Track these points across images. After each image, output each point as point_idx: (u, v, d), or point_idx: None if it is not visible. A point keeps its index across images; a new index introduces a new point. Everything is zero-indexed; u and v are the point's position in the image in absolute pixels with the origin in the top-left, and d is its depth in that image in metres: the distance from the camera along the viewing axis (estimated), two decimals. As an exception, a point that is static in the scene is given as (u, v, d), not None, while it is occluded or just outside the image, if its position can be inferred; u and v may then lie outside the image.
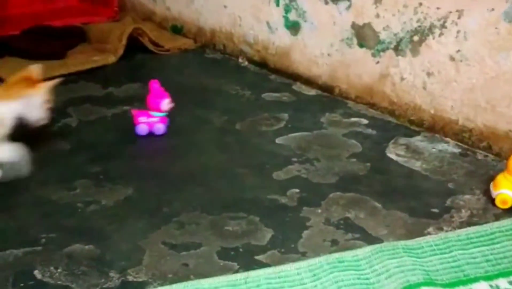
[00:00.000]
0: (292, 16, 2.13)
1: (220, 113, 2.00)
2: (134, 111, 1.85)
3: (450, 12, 1.69)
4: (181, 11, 2.64)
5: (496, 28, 1.60)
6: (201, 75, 2.34)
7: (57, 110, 2.03)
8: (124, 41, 2.44)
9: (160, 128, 1.83)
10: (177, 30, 2.67)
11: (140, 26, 2.53)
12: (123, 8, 2.90)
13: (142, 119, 1.83)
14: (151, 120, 1.83)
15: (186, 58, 2.50)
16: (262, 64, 2.32)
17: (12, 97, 1.64)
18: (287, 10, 2.15)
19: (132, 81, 2.27)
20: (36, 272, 1.28)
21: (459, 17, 1.67)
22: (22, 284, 1.25)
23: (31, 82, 1.67)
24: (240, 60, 2.40)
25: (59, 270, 1.29)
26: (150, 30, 2.56)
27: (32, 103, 1.65)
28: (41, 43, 2.49)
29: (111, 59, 2.42)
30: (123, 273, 1.27)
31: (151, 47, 2.50)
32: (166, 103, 1.81)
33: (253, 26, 2.30)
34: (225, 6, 2.40)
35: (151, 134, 1.84)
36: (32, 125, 1.67)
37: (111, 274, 1.28)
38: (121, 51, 2.44)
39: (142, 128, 1.83)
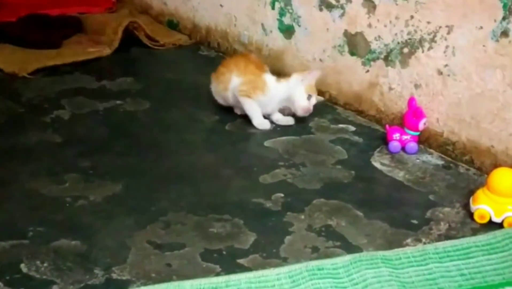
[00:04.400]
0: (287, 20, 2.16)
1: (210, 113, 2.03)
2: (388, 127, 1.81)
3: (440, 27, 1.72)
4: (177, 7, 2.66)
5: (483, 46, 1.63)
6: (194, 72, 2.36)
7: (51, 101, 2.07)
8: (119, 34, 2.45)
9: (413, 147, 1.79)
10: (173, 25, 2.69)
11: (136, 20, 2.54)
12: (120, -1, 2.92)
13: (396, 136, 1.80)
14: (404, 138, 1.79)
15: (181, 54, 2.52)
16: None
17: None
18: (281, 13, 2.17)
19: (126, 75, 2.29)
20: (22, 266, 1.31)
21: (448, 33, 1.70)
22: (8, 277, 1.28)
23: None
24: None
25: (45, 265, 1.32)
26: (146, 24, 2.57)
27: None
28: (37, 31, 2.50)
29: (106, 51, 2.43)
30: (108, 271, 1.31)
31: (146, 41, 2.52)
32: (423, 123, 1.78)
33: (248, 27, 2.32)
34: (221, 5, 2.42)
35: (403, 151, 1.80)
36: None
37: (96, 271, 1.31)
38: (116, 44, 2.45)
39: (395, 146, 1.79)
